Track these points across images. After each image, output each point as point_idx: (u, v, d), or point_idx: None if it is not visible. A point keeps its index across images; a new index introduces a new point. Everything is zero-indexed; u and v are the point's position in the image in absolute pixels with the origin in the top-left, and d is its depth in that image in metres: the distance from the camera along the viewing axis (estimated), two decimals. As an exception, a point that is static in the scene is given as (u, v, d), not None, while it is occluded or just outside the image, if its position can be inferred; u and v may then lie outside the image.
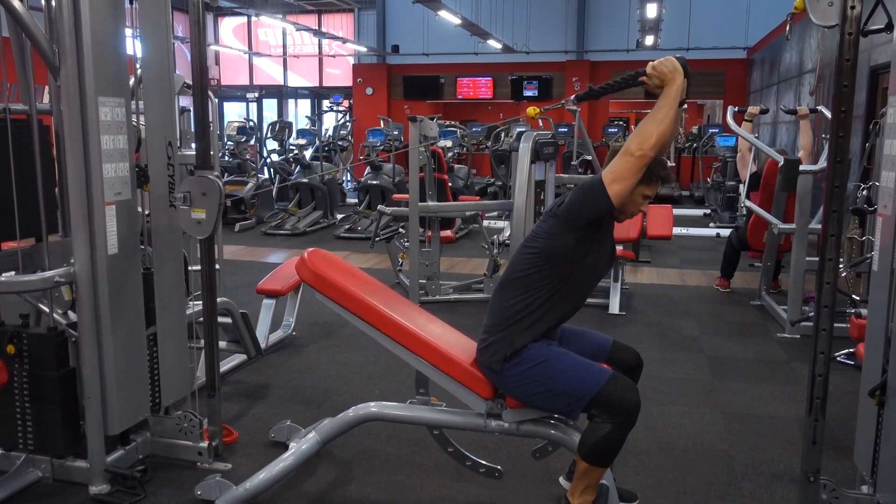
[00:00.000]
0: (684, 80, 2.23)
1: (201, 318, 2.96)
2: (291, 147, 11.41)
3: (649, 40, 13.05)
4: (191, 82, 2.85)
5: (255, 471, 2.64)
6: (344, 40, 15.71)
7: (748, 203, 5.52)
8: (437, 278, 5.72)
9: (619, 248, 5.63)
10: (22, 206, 2.68)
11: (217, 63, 18.20)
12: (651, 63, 2.23)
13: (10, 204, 2.65)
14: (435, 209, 5.64)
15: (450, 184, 8.26)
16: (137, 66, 2.86)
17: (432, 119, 5.75)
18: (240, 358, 4.05)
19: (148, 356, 2.90)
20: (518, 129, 6.50)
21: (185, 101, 4.27)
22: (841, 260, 2.77)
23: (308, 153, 11.20)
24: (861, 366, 2.50)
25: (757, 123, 13.36)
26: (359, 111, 16.36)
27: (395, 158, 9.49)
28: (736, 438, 3.27)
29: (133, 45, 2.84)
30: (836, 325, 2.30)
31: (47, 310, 2.74)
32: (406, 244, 5.80)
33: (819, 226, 2.38)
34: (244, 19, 17.93)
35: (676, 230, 7.23)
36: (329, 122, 14.24)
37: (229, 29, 18.38)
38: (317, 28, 16.15)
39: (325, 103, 14.72)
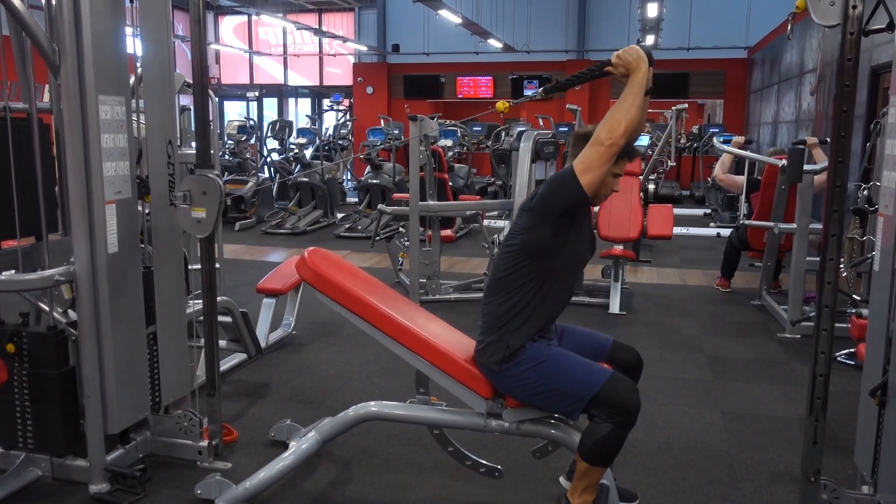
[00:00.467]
0: (649, 67, 2.26)
1: (201, 317, 2.96)
2: (292, 146, 11.41)
3: (650, 40, 13.03)
4: (191, 81, 2.84)
5: (254, 470, 2.64)
6: (344, 39, 15.70)
7: (747, 222, 5.55)
8: (438, 277, 5.72)
9: (619, 247, 5.64)
10: (22, 204, 2.67)
11: (217, 62, 18.19)
12: (616, 52, 2.26)
13: (10, 202, 2.65)
14: (435, 208, 5.64)
15: (450, 183, 8.26)
16: (138, 64, 2.86)
17: (433, 118, 5.74)
18: (240, 357, 4.05)
19: (148, 355, 2.90)
20: (518, 129, 6.50)
21: (186, 100, 4.26)
22: (842, 260, 2.77)
23: (308, 152, 11.21)
24: (862, 366, 2.50)
25: (757, 125, 13.37)
26: (359, 110, 16.36)
27: (396, 158, 9.49)
28: (736, 438, 3.27)
29: (133, 44, 2.84)
30: (836, 325, 2.30)
31: (47, 308, 2.74)
32: (406, 243, 5.79)
33: (820, 226, 2.38)
34: (244, 18, 17.92)
35: (677, 230, 7.23)
36: (329, 121, 14.23)
37: (230, 28, 18.37)
38: (317, 27, 16.14)
39: (326, 102, 14.74)
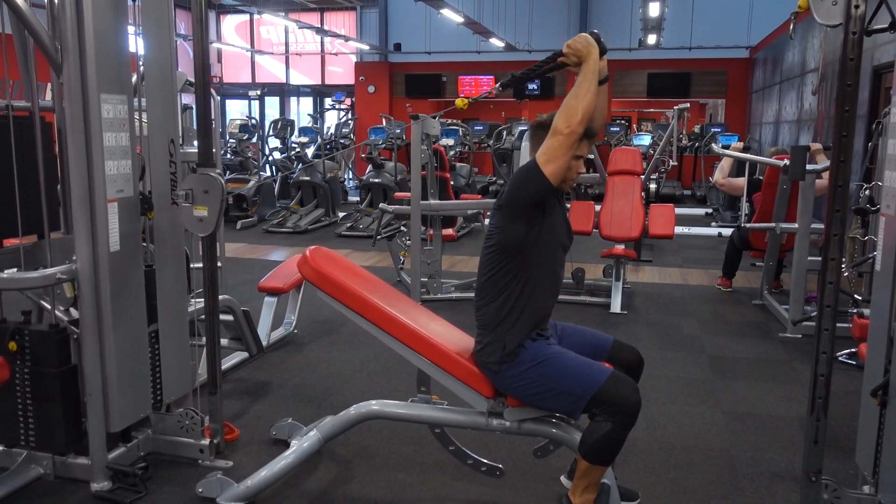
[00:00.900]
0: (601, 55, 2.29)
1: (203, 316, 2.96)
2: (293, 145, 11.41)
3: (651, 39, 13.05)
4: (193, 80, 2.85)
5: (256, 468, 2.64)
6: (346, 38, 15.71)
7: (748, 225, 5.55)
8: (439, 277, 5.72)
9: (620, 247, 5.64)
10: (24, 202, 2.68)
11: (219, 61, 18.19)
12: (566, 42, 2.28)
13: (12, 201, 2.65)
14: (437, 207, 5.64)
15: (452, 182, 8.26)
16: (140, 63, 2.86)
17: (434, 117, 5.74)
18: (241, 355, 4.06)
19: (149, 353, 2.90)
20: (520, 128, 6.49)
21: (188, 99, 4.26)
22: (843, 260, 2.77)
23: (310, 151, 11.21)
24: (863, 366, 2.50)
25: (759, 125, 13.36)
26: (361, 109, 16.36)
27: (397, 156, 9.49)
28: (737, 438, 3.27)
29: (135, 43, 2.85)
30: (838, 324, 2.30)
31: (49, 307, 2.74)
32: (408, 242, 5.80)
33: (821, 226, 2.38)
34: (246, 17, 17.93)
35: (678, 229, 7.23)
36: (331, 120, 14.24)
37: (232, 26, 18.38)
38: (319, 26, 16.15)
39: (328, 101, 14.73)
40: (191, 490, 2.67)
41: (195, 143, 2.97)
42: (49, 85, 3.00)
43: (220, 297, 3.13)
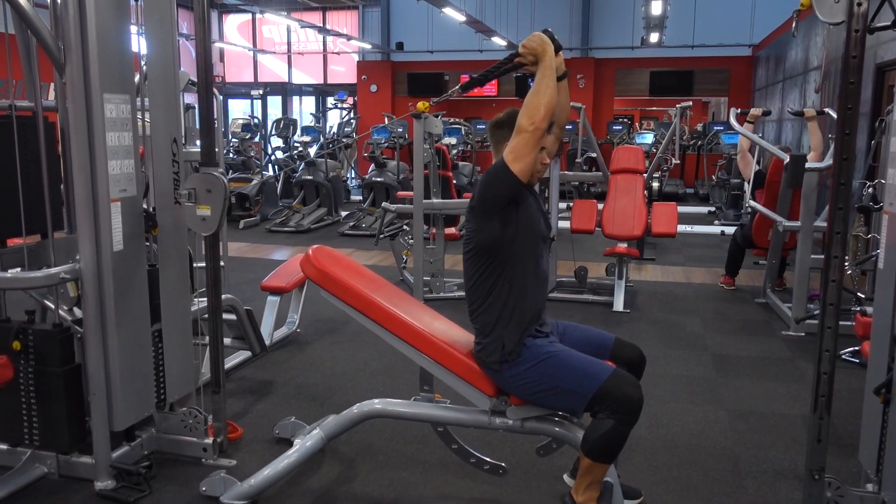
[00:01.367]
0: (557, 52, 2.32)
1: (206, 315, 2.97)
2: (296, 144, 11.42)
3: (654, 37, 13.04)
4: (195, 79, 2.85)
5: (259, 467, 2.65)
6: (348, 37, 15.71)
7: (753, 203, 5.51)
8: (442, 275, 5.73)
9: (623, 245, 5.63)
10: (28, 202, 2.69)
11: (221, 60, 18.22)
12: (522, 42, 2.31)
13: (15, 200, 2.66)
14: (439, 206, 5.64)
15: (454, 181, 8.26)
16: (142, 63, 2.86)
17: (437, 116, 5.74)
18: (244, 355, 4.06)
19: (153, 352, 2.91)
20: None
21: (190, 98, 4.27)
22: (846, 258, 2.76)
23: (312, 150, 11.22)
24: (866, 364, 2.50)
25: (761, 122, 13.33)
26: (363, 108, 16.37)
27: (400, 156, 9.49)
28: (740, 436, 3.27)
29: (138, 43, 2.85)
30: (841, 323, 2.29)
31: (53, 306, 2.75)
32: (410, 241, 5.80)
33: (824, 223, 2.38)
34: (249, 16, 17.95)
35: (681, 228, 7.23)
36: (333, 119, 14.25)
37: (234, 26, 18.39)
38: (321, 25, 16.15)
39: (330, 100, 14.73)
40: (194, 489, 2.68)
41: (198, 142, 2.98)
42: (52, 85, 3.01)
43: (223, 296, 3.13)
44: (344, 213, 10.19)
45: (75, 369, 2.67)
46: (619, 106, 17.26)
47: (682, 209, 7.99)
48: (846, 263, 3.85)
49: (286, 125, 12.19)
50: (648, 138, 12.88)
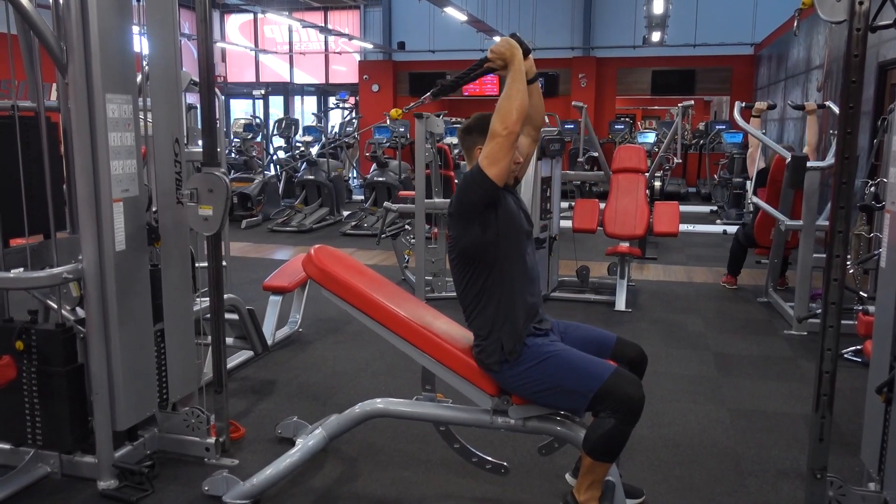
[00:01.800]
0: (526, 56, 2.36)
1: (208, 315, 2.97)
2: (298, 144, 11.43)
3: (656, 36, 13.02)
4: (197, 79, 2.85)
5: (261, 467, 2.65)
6: (350, 37, 15.71)
7: (755, 199, 5.50)
8: (443, 275, 5.73)
9: (625, 244, 5.63)
10: (30, 202, 2.69)
11: (223, 60, 18.23)
12: (490, 47, 2.34)
13: (18, 201, 2.66)
14: (441, 206, 5.64)
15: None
16: (144, 63, 2.87)
17: (438, 116, 5.74)
18: (246, 354, 4.07)
19: (155, 352, 2.91)
20: (524, 126, 6.51)
21: (192, 98, 4.28)
22: (848, 257, 2.76)
23: (314, 150, 11.23)
24: (868, 363, 2.49)
25: (764, 120, 13.31)
26: (365, 108, 16.38)
27: (401, 155, 9.49)
28: (742, 435, 3.27)
29: (140, 43, 2.86)
30: (843, 322, 2.29)
31: (56, 306, 2.76)
32: (412, 241, 5.80)
33: (826, 222, 2.37)
34: (250, 16, 17.96)
35: (683, 227, 7.22)
36: (335, 119, 14.26)
37: (235, 26, 18.40)
38: (323, 25, 16.16)
39: (332, 100, 14.74)
40: (197, 488, 2.68)
41: (200, 142, 2.98)
42: (54, 85, 3.01)
43: (225, 296, 3.13)
44: (346, 213, 10.20)
45: (78, 369, 2.68)
46: (621, 105, 17.25)
47: (683, 208, 7.97)
48: (848, 262, 3.84)
49: (288, 125, 12.19)
50: (650, 137, 12.88)
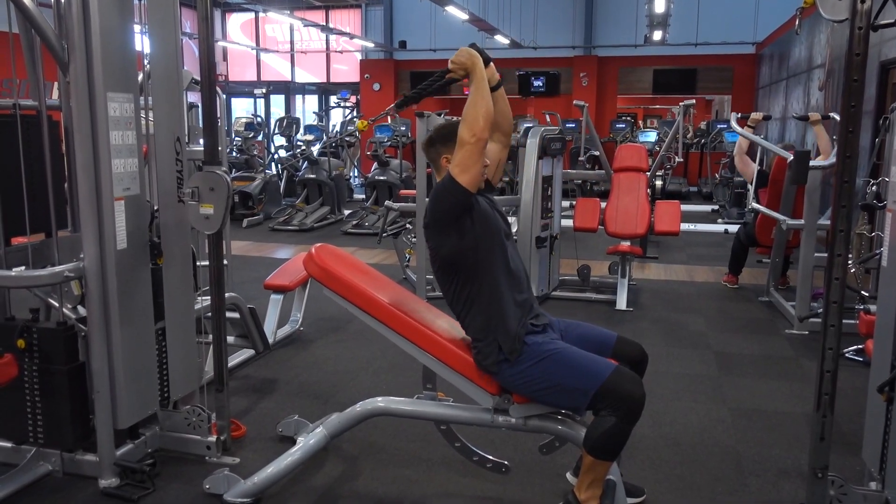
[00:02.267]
0: (487, 64, 2.41)
1: (209, 314, 2.98)
2: (299, 143, 11.43)
3: (657, 35, 13.00)
4: (199, 78, 2.86)
5: (263, 465, 2.65)
6: (351, 36, 15.71)
7: (755, 205, 5.51)
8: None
9: (626, 244, 5.63)
10: (32, 201, 2.69)
11: (225, 59, 18.23)
12: (451, 59, 2.38)
13: (20, 199, 2.67)
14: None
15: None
16: (146, 61, 2.87)
17: (439, 115, 5.75)
18: (248, 353, 4.07)
19: (157, 351, 2.92)
20: (525, 125, 6.49)
21: (193, 97, 4.28)
22: (850, 256, 2.76)
23: (315, 149, 11.24)
24: (870, 362, 2.49)
25: (764, 122, 13.30)
26: (366, 107, 16.37)
27: (403, 154, 9.49)
28: (743, 434, 3.27)
29: (141, 42, 2.86)
30: (844, 321, 2.29)
31: (57, 305, 2.76)
32: (413, 240, 5.80)
33: (828, 221, 2.37)
34: (252, 15, 17.96)
35: (684, 226, 7.21)
36: (336, 117, 14.25)
37: (237, 25, 18.41)
38: (324, 24, 16.16)
39: (333, 99, 14.73)
40: (198, 486, 2.68)
41: (201, 141, 2.98)
42: (56, 84, 3.01)
43: (227, 294, 3.14)
44: (347, 212, 10.19)
45: (79, 367, 2.68)
46: (623, 104, 17.24)
47: (685, 207, 7.96)
48: (850, 261, 3.84)
49: (289, 124, 12.20)
50: (651, 136, 12.87)
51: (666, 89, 15.25)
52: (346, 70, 17.93)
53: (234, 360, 3.97)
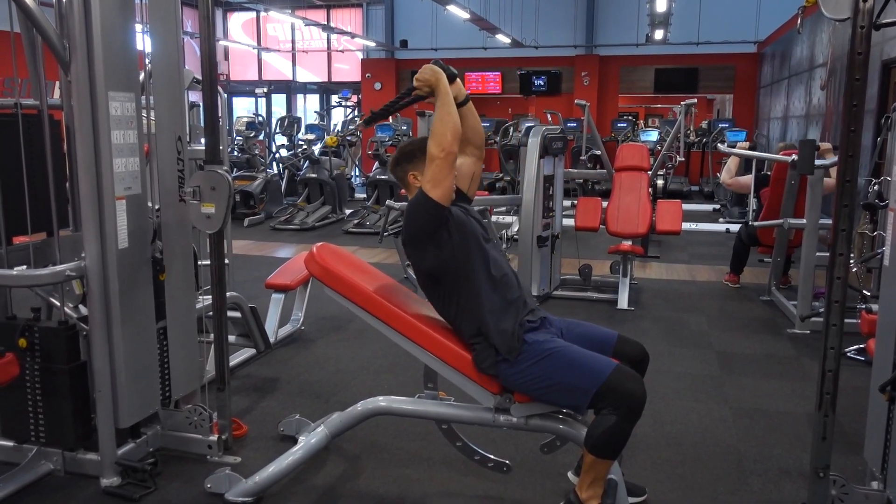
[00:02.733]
0: (453, 80, 2.46)
1: (211, 313, 2.98)
2: (300, 142, 11.43)
3: (659, 34, 13.00)
4: (200, 77, 2.85)
5: (264, 464, 2.65)
6: (352, 35, 15.72)
7: (755, 223, 5.53)
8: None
9: (627, 243, 5.62)
10: (33, 200, 2.69)
11: (226, 58, 18.24)
12: (415, 76, 2.42)
13: (21, 199, 2.67)
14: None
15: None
16: (147, 61, 2.87)
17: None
18: (249, 352, 4.07)
19: (158, 350, 2.92)
20: (527, 124, 6.49)
21: (195, 97, 4.28)
22: (852, 255, 2.75)
23: (317, 148, 11.24)
24: (871, 362, 2.49)
25: (766, 120, 13.30)
26: (367, 106, 16.37)
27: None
28: (744, 434, 3.27)
29: (143, 41, 2.86)
30: (846, 320, 2.29)
31: (58, 304, 2.76)
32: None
33: (830, 221, 2.37)
34: (253, 14, 17.97)
35: (686, 225, 7.20)
36: (338, 117, 14.25)
37: (238, 24, 18.42)
38: (325, 23, 16.16)
39: (334, 98, 14.74)
40: (199, 486, 2.68)
41: (202, 140, 2.98)
42: (57, 83, 3.02)
43: (228, 293, 3.14)
44: (348, 211, 10.19)
45: (81, 366, 2.68)
46: (624, 103, 17.24)
47: (686, 207, 7.95)
48: (851, 261, 3.83)
49: (290, 123, 12.19)
50: (653, 136, 12.85)
51: (667, 88, 15.25)
52: (348, 69, 17.94)
53: (235, 360, 3.97)
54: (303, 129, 12.06)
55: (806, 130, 9.61)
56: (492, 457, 2.66)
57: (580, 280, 5.79)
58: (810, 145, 4.64)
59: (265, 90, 13.97)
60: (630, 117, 14.69)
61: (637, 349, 2.50)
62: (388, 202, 6.04)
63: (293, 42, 18.10)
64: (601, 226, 5.80)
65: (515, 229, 7.17)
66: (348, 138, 11.66)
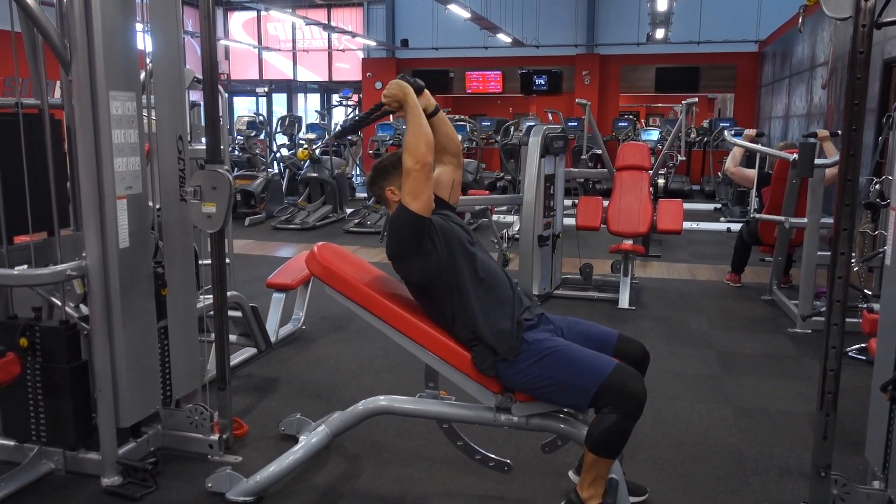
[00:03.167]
0: (420, 92, 2.48)
1: (212, 312, 2.98)
2: (301, 141, 11.43)
3: (660, 33, 12.99)
4: (201, 77, 2.86)
5: (265, 464, 2.65)
6: (353, 34, 15.72)
7: (756, 215, 5.51)
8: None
9: (628, 242, 5.62)
10: (34, 200, 2.70)
11: (227, 58, 18.24)
12: (383, 92, 2.45)
13: (22, 198, 2.67)
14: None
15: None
16: (148, 60, 2.87)
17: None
18: (250, 351, 4.07)
19: (159, 349, 2.92)
20: (528, 124, 6.49)
21: (196, 96, 4.28)
22: (853, 254, 2.75)
23: (317, 148, 11.24)
24: (873, 361, 2.49)
25: (767, 120, 13.29)
26: (368, 105, 16.35)
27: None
28: (745, 433, 3.27)
29: (143, 40, 2.86)
30: (847, 319, 2.29)
31: (59, 303, 2.76)
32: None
33: (831, 220, 2.37)
34: (254, 14, 17.97)
35: (687, 225, 7.20)
36: (339, 116, 14.25)
37: (239, 23, 18.42)
38: (326, 22, 16.16)
39: (335, 98, 14.74)
40: (200, 485, 2.68)
41: (203, 139, 2.98)
42: (58, 82, 3.02)
43: (229, 293, 3.14)
44: (349, 211, 10.19)
45: (82, 366, 2.69)
46: (625, 102, 17.24)
47: (687, 206, 7.94)
48: (853, 260, 3.83)
49: (291, 122, 12.20)
50: (654, 135, 12.85)
51: (668, 88, 15.24)
52: (349, 68, 17.94)
53: (236, 359, 3.97)
54: (303, 129, 12.06)
55: (807, 129, 9.59)
56: (493, 456, 2.66)
57: (581, 279, 5.79)
58: (810, 148, 4.64)
59: (266, 89, 13.98)
60: (631, 116, 14.69)
61: (638, 348, 2.49)
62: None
63: (294, 41, 18.10)
64: (602, 225, 5.80)
65: (516, 229, 7.17)
66: (349, 137, 11.66)
